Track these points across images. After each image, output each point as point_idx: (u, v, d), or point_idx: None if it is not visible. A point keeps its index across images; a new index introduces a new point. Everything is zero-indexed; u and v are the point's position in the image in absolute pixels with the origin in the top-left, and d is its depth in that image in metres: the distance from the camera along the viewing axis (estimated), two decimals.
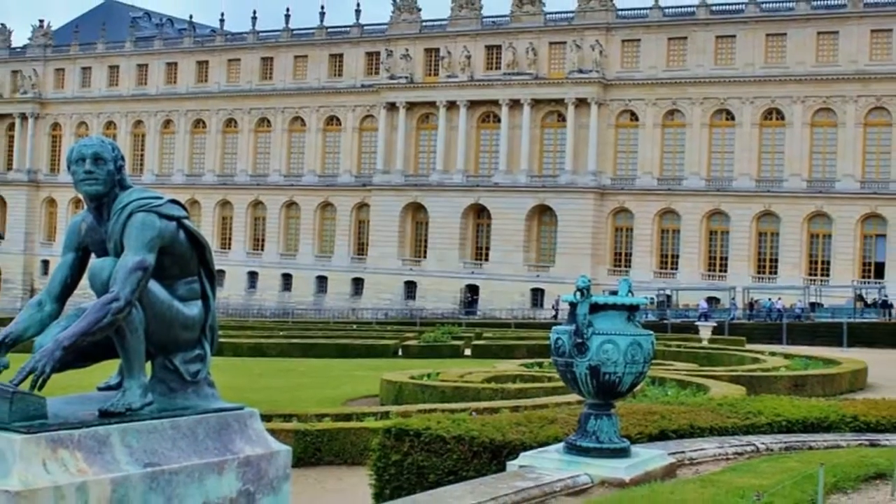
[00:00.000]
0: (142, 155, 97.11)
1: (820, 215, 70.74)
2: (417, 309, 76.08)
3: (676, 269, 74.43)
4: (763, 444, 11.94)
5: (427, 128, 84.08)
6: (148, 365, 5.26)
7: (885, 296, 63.39)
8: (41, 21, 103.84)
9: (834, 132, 70.92)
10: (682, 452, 10.84)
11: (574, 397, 15.27)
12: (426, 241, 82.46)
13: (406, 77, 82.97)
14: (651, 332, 9.63)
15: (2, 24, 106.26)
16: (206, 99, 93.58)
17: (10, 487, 4.19)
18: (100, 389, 5.38)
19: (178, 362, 5.38)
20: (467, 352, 39.56)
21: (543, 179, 78.48)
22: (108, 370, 5.34)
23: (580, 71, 76.35)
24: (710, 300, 66.78)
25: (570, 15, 78.60)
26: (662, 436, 11.62)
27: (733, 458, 11.16)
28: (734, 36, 73.46)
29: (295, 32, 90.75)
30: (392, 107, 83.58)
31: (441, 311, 74.35)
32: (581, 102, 76.53)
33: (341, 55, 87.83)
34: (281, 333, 46.47)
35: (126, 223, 5.16)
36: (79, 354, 4.94)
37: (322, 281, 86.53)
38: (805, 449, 12.06)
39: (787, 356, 35.34)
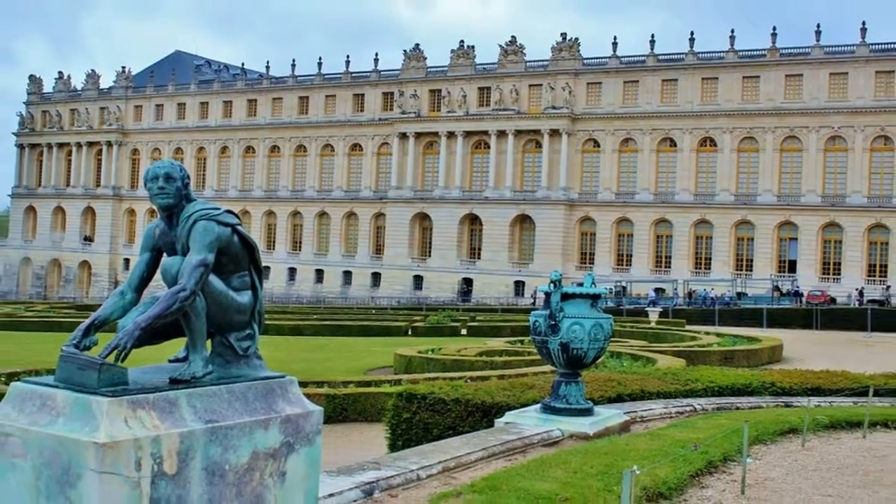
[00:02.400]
0: (203, 174, 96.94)
1: (745, 222, 70.74)
2: (423, 297, 76.03)
3: (630, 265, 74.39)
4: (699, 405, 11.95)
5: (431, 153, 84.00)
6: (208, 342, 5.26)
7: (797, 287, 63.42)
8: (123, 67, 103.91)
9: (756, 156, 70.91)
10: (635, 412, 10.84)
11: (548, 368, 15.29)
12: (430, 243, 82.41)
13: (415, 112, 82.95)
14: (610, 316, 9.64)
15: (92, 70, 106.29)
16: (254, 130, 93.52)
17: (98, 440, 4.20)
18: (170, 362, 5.37)
19: (232, 340, 5.37)
20: (464, 331, 39.61)
21: (524, 194, 78.42)
22: (176, 346, 5.34)
23: (553, 107, 76.36)
24: (657, 290, 66.75)
25: (546, 63, 78.58)
26: (619, 399, 11.62)
27: (676, 417, 11.16)
28: (676, 79, 73.46)
29: (326, 77, 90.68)
30: (403, 136, 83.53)
31: (442, 299, 74.29)
32: (554, 132, 76.51)
33: (363, 95, 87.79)
34: (314, 317, 46.46)
35: (191, 229, 5.15)
36: (153, 333, 4.93)
37: (347, 275, 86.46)
38: (733, 409, 12.07)
39: (718, 335, 35.38)
